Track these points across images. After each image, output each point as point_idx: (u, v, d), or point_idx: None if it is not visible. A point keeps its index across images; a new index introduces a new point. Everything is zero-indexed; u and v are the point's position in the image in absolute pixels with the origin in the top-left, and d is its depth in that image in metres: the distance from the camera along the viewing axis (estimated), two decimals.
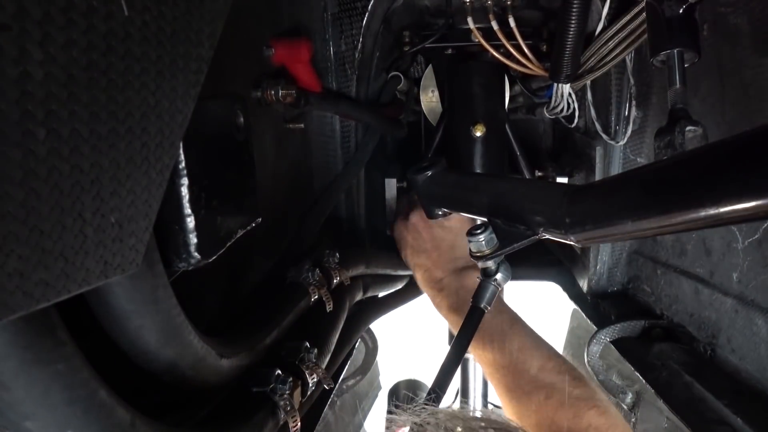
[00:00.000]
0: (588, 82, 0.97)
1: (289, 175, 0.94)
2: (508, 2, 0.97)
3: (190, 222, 0.46)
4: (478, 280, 0.68)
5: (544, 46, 1.09)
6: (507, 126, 1.18)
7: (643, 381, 0.92)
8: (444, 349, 0.72)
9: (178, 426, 0.51)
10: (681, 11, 0.66)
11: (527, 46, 0.99)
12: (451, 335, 1.28)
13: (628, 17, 0.81)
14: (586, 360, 1.08)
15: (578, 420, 0.73)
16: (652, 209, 0.41)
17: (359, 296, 1.00)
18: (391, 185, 1.18)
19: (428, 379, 1.46)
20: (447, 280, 0.97)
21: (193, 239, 0.46)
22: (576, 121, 1.08)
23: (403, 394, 1.44)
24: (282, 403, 0.62)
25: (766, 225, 0.72)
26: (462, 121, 1.13)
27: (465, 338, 0.65)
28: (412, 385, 1.47)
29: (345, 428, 1.45)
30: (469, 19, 0.99)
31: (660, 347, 0.94)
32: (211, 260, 0.49)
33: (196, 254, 0.47)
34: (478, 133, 1.11)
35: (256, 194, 0.63)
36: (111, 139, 0.31)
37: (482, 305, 0.65)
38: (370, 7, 0.99)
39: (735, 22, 0.72)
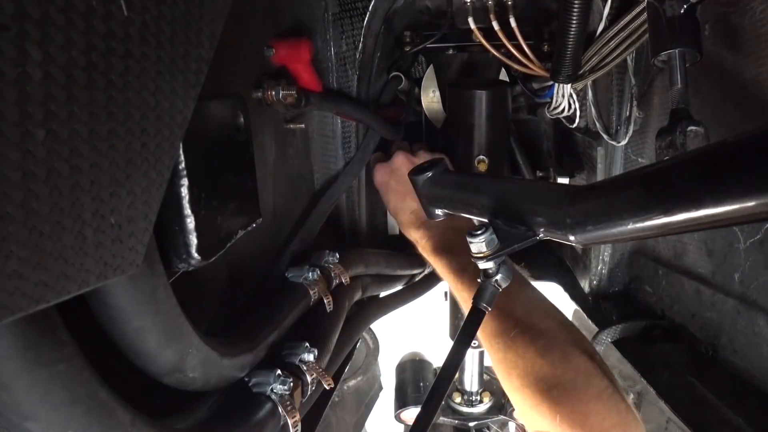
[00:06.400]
0: (589, 83, 0.97)
1: (290, 175, 0.94)
2: (509, 2, 0.97)
3: (190, 223, 0.46)
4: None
5: (546, 46, 1.09)
6: (511, 137, 1.16)
7: (645, 382, 0.92)
8: (445, 347, 0.71)
9: (178, 426, 0.51)
10: (682, 11, 0.66)
11: (528, 46, 0.99)
12: (453, 331, 1.28)
13: (629, 17, 0.81)
14: None
15: (566, 363, 0.70)
16: (654, 210, 0.41)
17: (358, 296, 1.00)
18: None
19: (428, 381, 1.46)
20: (435, 221, 0.95)
21: (193, 240, 0.46)
22: (577, 121, 1.08)
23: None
24: (282, 403, 0.62)
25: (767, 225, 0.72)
26: (465, 153, 1.11)
27: (466, 340, 0.65)
28: (418, 366, 1.49)
29: (346, 429, 1.45)
30: (470, 20, 0.99)
31: (661, 348, 0.94)
32: (211, 261, 0.49)
33: (196, 255, 0.47)
34: (482, 169, 1.09)
35: (256, 195, 0.63)
36: (110, 140, 0.31)
37: (482, 306, 0.65)
38: (371, 7, 0.99)
39: (737, 22, 0.72)
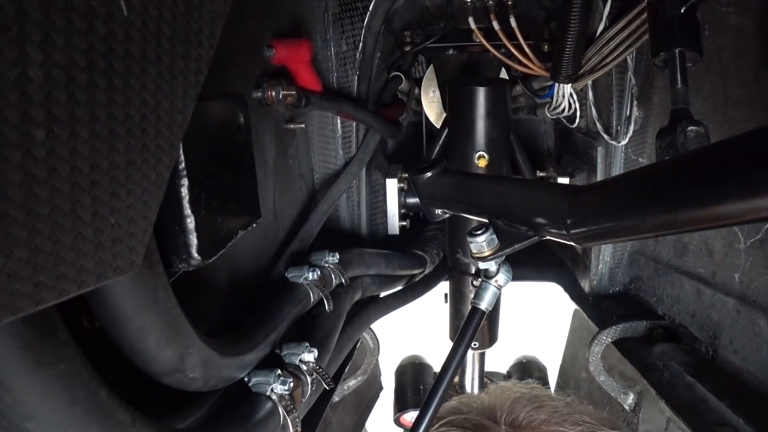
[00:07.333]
0: (589, 83, 0.97)
1: (290, 175, 0.94)
2: (509, 2, 0.97)
3: (191, 223, 0.46)
4: None
5: (546, 46, 1.09)
6: (511, 136, 1.16)
7: (645, 382, 0.92)
8: (445, 349, 0.71)
9: (178, 426, 0.51)
10: (682, 11, 0.66)
11: (528, 46, 0.99)
12: (453, 332, 1.28)
13: (629, 17, 0.81)
14: (588, 360, 1.08)
15: None
16: (654, 210, 0.41)
17: (358, 296, 1.00)
18: (392, 186, 1.18)
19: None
20: None
21: (194, 240, 0.46)
22: (577, 121, 1.08)
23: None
24: (282, 403, 0.62)
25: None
26: (464, 149, 1.11)
27: (466, 339, 0.65)
28: (418, 369, 1.48)
29: (346, 429, 1.45)
30: (470, 20, 0.99)
31: (662, 348, 0.94)
32: (211, 261, 0.49)
33: (196, 255, 0.47)
34: (482, 165, 1.08)
35: (256, 194, 0.63)
36: (110, 141, 0.31)
37: (483, 306, 0.65)
38: (371, 7, 0.99)
39: (737, 22, 0.72)
